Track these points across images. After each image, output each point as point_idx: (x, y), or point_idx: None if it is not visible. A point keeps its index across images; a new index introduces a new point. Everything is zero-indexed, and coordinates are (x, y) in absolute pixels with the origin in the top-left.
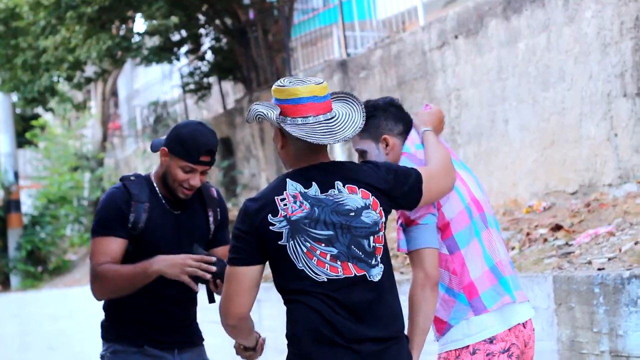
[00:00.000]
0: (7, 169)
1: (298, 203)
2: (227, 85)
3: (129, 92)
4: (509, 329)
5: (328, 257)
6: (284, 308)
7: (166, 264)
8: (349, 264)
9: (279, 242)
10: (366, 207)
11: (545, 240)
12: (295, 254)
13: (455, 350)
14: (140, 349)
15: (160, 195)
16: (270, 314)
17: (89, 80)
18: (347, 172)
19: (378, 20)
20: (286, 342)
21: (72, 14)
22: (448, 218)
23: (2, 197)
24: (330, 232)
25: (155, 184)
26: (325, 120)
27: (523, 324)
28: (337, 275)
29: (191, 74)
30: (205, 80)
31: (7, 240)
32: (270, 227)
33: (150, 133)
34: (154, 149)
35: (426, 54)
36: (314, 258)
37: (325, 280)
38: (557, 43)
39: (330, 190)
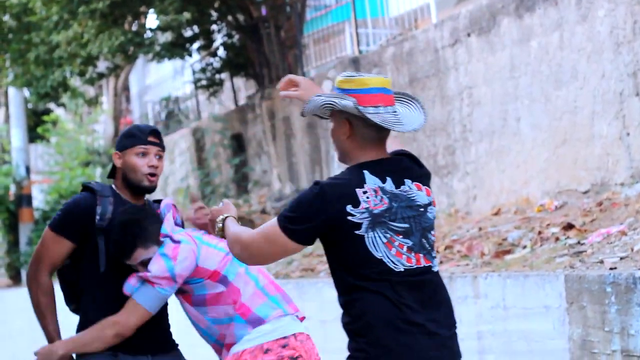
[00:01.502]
0: (18, 163)
1: (379, 197)
2: (239, 81)
3: (141, 88)
4: (301, 343)
5: (405, 248)
6: (295, 304)
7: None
8: (420, 255)
9: (356, 232)
10: (429, 204)
11: (557, 239)
12: (374, 244)
13: (244, 350)
14: (114, 357)
15: (123, 197)
16: None
17: (101, 76)
18: (411, 170)
19: (390, 17)
20: (348, 332)
21: (85, 9)
22: (212, 268)
23: (14, 192)
24: (407, 225)
25: (116, 189)
26: (392, 111)
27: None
28: (411, 266)
29: (203, 70)
30: (217, 76)
31: (18, 235)
32: (349, 217)
33: (162, 128)
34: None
35: (438, 52)
36: (393, 249)
37: (402, 270)
38: (570, 42)
39: (402, 187)
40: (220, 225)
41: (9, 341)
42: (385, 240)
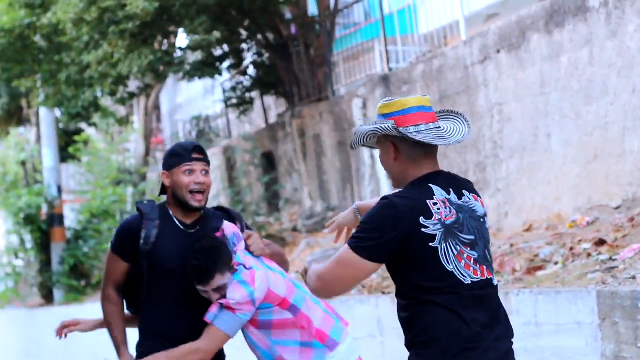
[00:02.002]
0: (50, 183)
1: (448, 209)
2: (270, 99)
3: (172, 107)
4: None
5: (472, 260)
6: None
7: None
8: (484, 267)
9: (430, 244)
10: (485, 215)
11: (589, 255)
12: (446, 257)
13: None
14: None
15: (173, 217)
16: None
17: (132, 95)
18: (465, 183)
19: (420, 34)
20: (412, 347)
21: (115, 29)
22: (282, 295)
23: (46, 212)
24: (472, 237)
25: (168, 209)
26: (434, 127)
27: None
28: (477, 278)
29: (233, 89)
30: (247, 94)
31: (50, 255)
32: (423, 229)
33: None
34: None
35: (468, 69)
36: (462, 261)
37: (470, 282)
38: (600, 57)
39: (463, 198)
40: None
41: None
42: (456, 252)
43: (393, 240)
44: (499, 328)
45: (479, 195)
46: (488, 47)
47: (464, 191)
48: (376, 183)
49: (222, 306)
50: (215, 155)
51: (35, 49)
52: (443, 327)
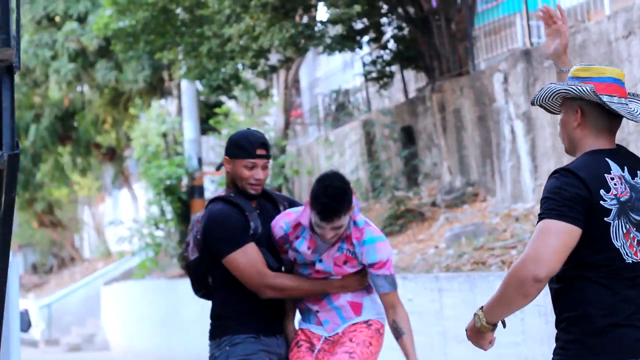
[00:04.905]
0: (191, 155)
1: (624, 185)
2: (409, 73)
3: (311, 80)
4: None
5: (636, 241)
6: (466, 297)
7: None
8: None
9: (605, 219)
10: None
11: None
12: (616, 233)
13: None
14: (256, 338)
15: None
16: (452, 302)
17: (273, 69)
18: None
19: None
20: (560, 322)
21: (257, 2)
22: None
23: (186, 183)
24: (639, 218)
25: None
26: (625, 104)
27: None
28: (637, 260)
29: (373, 63)
30: (387, 68)
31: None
32: (602, 202)
33: (332, 121)
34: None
35: (612, 44)
36: (629, 240)
37: (631, 262)
38: None
39: (635, 178)
40: (481, 315)
41: (181, 331)
42: (625, 230)
43: (582, 206)
44: None
45: None
46: (632, 22)
47: (638, 171)
48: (516, 159)
49: (380, 274)
50: (354, 129)
51: (177, 22)
52: (595, 302)
